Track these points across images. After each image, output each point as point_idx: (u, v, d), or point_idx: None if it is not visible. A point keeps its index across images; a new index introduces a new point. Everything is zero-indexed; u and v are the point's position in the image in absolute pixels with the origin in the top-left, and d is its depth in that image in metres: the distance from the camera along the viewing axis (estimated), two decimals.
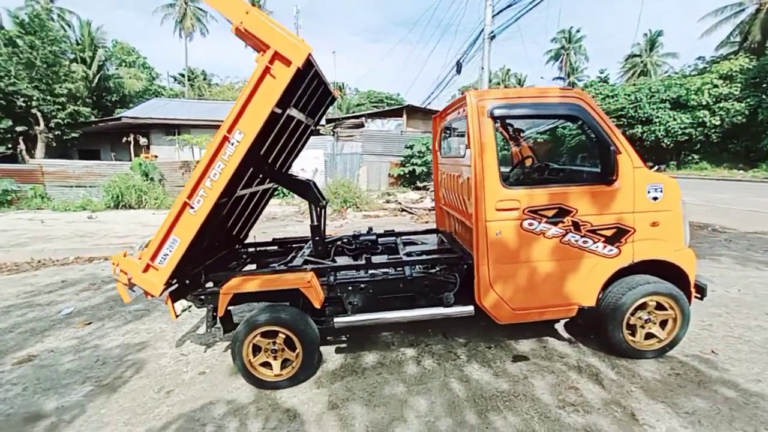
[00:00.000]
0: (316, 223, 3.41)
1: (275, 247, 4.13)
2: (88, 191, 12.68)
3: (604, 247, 2.76)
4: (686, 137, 27.47)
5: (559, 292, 2.81)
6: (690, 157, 28.76)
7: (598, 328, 2.93)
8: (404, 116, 16.89)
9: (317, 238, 3.45)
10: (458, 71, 20.93)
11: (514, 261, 2.76)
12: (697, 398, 2.46)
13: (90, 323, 4.15)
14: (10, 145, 16.94)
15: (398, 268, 3.07)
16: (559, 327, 3.50)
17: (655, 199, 2.74)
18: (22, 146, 17.03)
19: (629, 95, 31.49)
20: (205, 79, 49.55)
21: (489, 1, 14.41)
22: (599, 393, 2.55)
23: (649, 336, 2.89)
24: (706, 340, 3.19)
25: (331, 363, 3.12)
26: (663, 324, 2.87)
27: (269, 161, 3.40)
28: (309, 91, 3.23)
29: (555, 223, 2.71)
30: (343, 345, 3.42)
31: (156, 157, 16.75)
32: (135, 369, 3.18)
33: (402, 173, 15.28)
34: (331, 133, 15.57)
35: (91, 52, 29.46)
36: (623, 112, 31.25)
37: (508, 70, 54.84)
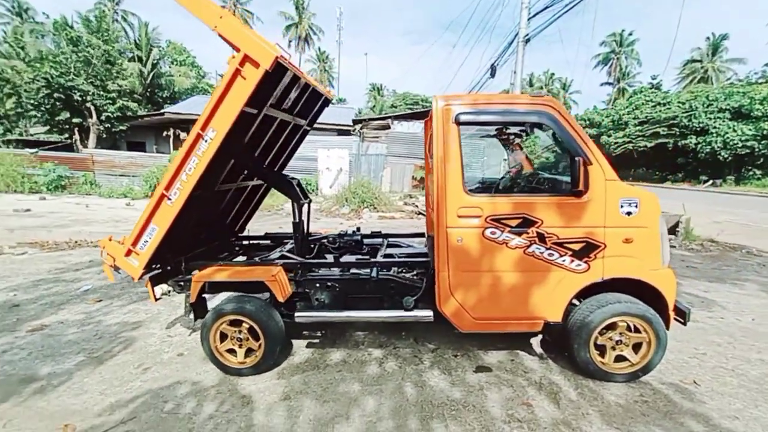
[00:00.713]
0: (297, 221, 3.53)
1: (267, 241, 4.31)
2: (131, 180, 13.74)
3: (572, 261, 2.65)
4: (747, 150, 25.21)
5: (522, 304, 2.74)
6: (751, 173, 26.37)
7: (566, 345, 2.82)
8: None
9: (298, 235, 3.57)
10: (492, 75, 20.51)
11: (475, 269, 2.72)
12: (657, 429, 2.31)
13: (100, 300, 4.53)
14: (67, 135, 18.71)
15: (366, 269, 3.11)
16: (535, 342, 3.39)
17: (629, 214, 2.60)
18: (77, 136, 18.75)
19: (684, 103, 29.40)
20: None
21: (525, 3, 13.99)
22: (552, 412, 2.46)
23: (620, 359, 2.74)
24: (692, 369, 2.96)
25: (298, 356, 3.22)
26: (636, 347, 2.71)
27: (255, 158, 3.56)
28: (291, 92, 3.35)
29: (519, 234, 2.64)
30: (316, 341, 3.52)
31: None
32: (124, 345, 3.45)
33: (424, 176, 15.24)
34: (357, 133, 15.80)
35: (147, 51, 31.66)
36: (675, 121, 29.21)
37: (552, 74, 52.84)
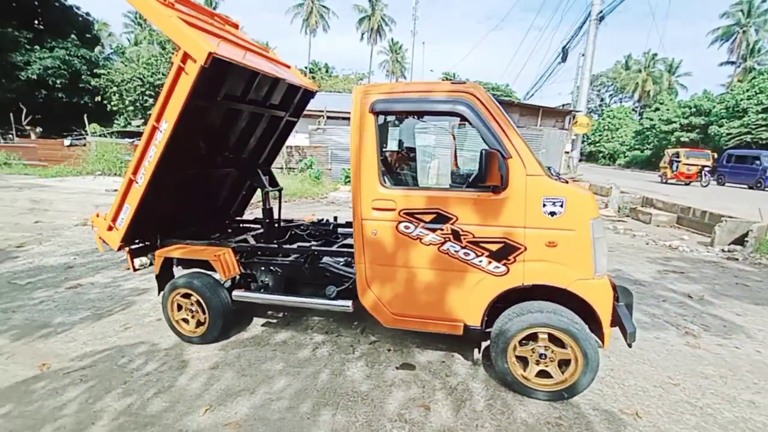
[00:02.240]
0: (265, 207, 3.75)
1: (258, 226, 4.64)
2: None
3: (489, 262, 2.45)
4: None
5: (439, 304, 2.61)
6: None
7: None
8: None
9: (267, 221, 3.79)
10: (563, 59, 18.73)
11: (389, 263, 2.66)
12: None
13: (128, 269, 5.32)
14: None
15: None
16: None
17: (552, 214, 2.31)
18: None
19: None
20: (327, 71, 54.27)
21: None
22: (446, 419, 2.34)
23: (543, 374, 2.47)
24: (646, 400, 2.54)
25: (249, 332, 3.48)
26: (563, 364, 2.42)
27: (226, 148, 3.84)
28: (257, 86, 3.54)
29: (432, 230, 2.51)
30: (274, 321, 3.74)
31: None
32: (123, 307, 4.05)
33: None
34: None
35: None
36: None
37: (654, 54, 46.15)
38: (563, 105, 21.65)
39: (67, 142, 17.86)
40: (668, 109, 36.55)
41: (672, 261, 6.01)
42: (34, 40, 22.72)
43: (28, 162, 17.04)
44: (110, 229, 3.39)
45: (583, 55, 13.36)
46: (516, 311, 2.45)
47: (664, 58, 46.67)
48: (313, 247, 3.25)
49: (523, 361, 2.50)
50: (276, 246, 3.32)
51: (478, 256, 2.46)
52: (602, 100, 58.18)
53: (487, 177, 2.25)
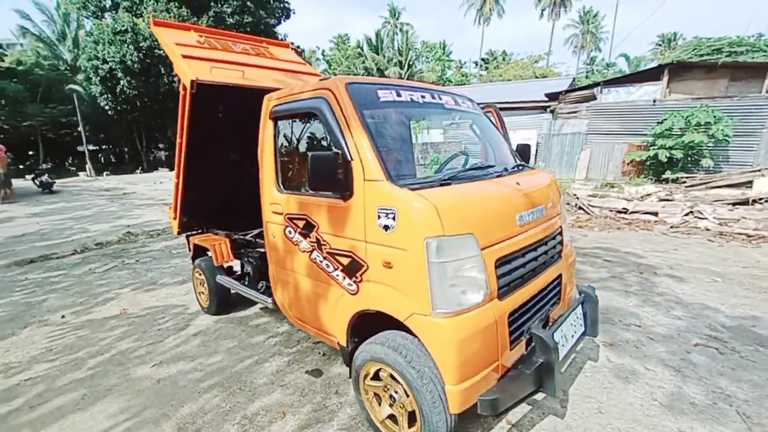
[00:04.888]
0: None
1: None
2: None
3: (344, 278, 2.16)
4: None
5: (318, 315, 2.46)
6: None
7: None
8: (664, 78, 11.60)
9: None
10: None
11: (283, 267, 2.67)
12: None
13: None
14: None
15: None
16: None
17: (386, 228, 1.84)
18: None
19: None
20: (504, 59, 51.72)
21: None
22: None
23: (394, 419, 2.02)
24: None
25: (244, 312, 4.06)
26: (414, 417, 1.93)
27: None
28: None
29: (304, 236, 2.39)
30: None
31: None
32: (171, 274, 5.34)
33: (642, 158, 11.27)
34: (550, 110, 13.41)
35: (406, 54, 37.45)
36: None
37: None
38: None
39: None
40: None
41: None
42: None
43: None
44: (174, 217, 4.54)
45: None
46: (374, 338, 2.09)
47: None
48: None
49: (378, 399, 2.11)
50: (253, 240, 3.75)
51: (335, 269, 2.21)
52: None
53: (312, 181, 1.98)
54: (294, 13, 28.73)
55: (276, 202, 2.61)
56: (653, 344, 3.02)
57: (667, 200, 8.80)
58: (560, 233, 2.55)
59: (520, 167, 2.73)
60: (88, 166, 25.17)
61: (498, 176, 2.35)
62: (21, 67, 26.61)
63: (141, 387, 2.80)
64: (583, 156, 12.38)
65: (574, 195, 8.75)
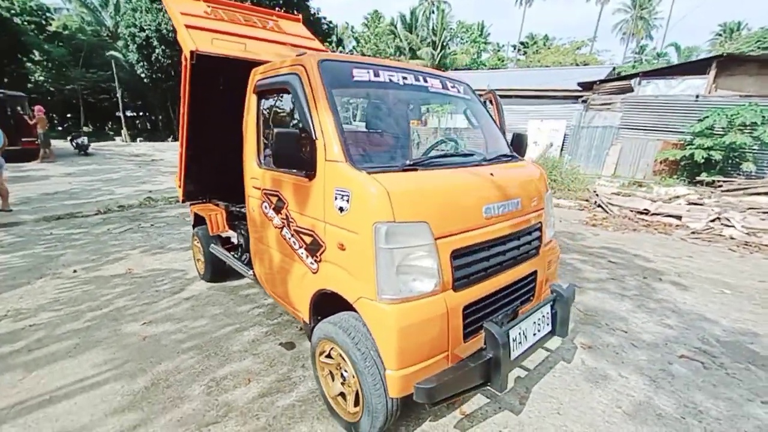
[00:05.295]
0: None
1: None
2: None
3: (307, 256, 2.18)
4: None
5: (287, 290, 2.52)
6: None
7: None
8: (711, 72, 10.59)
9: None
10: None
11: (260, 241, 2.73)
12: None
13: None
14: None
15: None
16: None
17: (341, 210, 1.84)
18: None
19: None
20: (545, 43, 49.23)
21: None
22: (246, 398, 2.34)
23: (344, 397, 2.07)
24: None
25: (236, 283, 4.20)
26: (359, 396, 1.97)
27: None
28: None
29: (277, 212, 2.42)
30: None
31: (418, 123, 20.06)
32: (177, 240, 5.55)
33: (676, 158, 10.57)
34: (582, 100, 12.67)
35: (440, 35, 36.33)
36: None
37: None
38: None
39: None
40: None
41: None
42: None
43: None
44: (179, 186, 4.70)
45: None
46: (330, 318, 2.13)
47: None
48: None
49: (333, 377, 2.16)
50: (245, 212, 3.84)
51: (300, 246, 2.24)
52: None
53: (283, 159, 2.00)
54: None
55: (256, 177, 2.65)
56: (635, 351, 2.91)
57: (697, 204, 8.28)
58: (539, 229, 2.46)
59: (509, 157, 2.64)
60: (124, 131, 26.26)
61: (476, 165, 2.28)
62: (66, 32, 27.74)
63: (127, 342, 2.98)
64: (612, 151, 11.74)
65: (594, 191, 8.37)
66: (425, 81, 2.50)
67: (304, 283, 2.28)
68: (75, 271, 4.40)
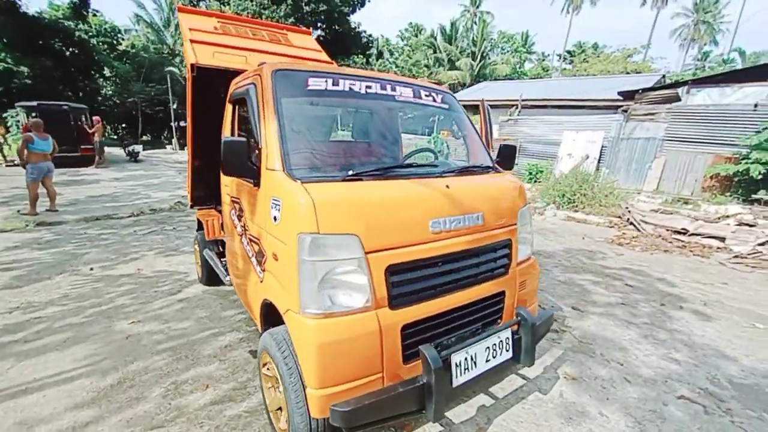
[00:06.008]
0: None
1: None
2: None
3: (257, 264, 2.17)
4: None
5: (247, 298, 2.52)
6: None
7: None
8: None
9: None
10: None
11: (230, 248, 2.77)
12: None
13: None
14: None
15: None
16: None
17: (275, 219, 1.80)
18: None
19: None
20: (594, 51, 47.14)
21: None
22: (199, 404, 2.35)
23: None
24: None
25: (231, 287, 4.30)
26: None
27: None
28: None
29: (239, 219, 2.45)
30: None
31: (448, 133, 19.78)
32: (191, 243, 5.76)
33: (729, 173, 9.54)
34: (622, 110, 11.80)
35: (480, 45, 35.88)
36: None
37: None
38: None
39: None
40: None
41: None
42: None
43: None
44: (188, 192, 4.94)
45: None
46: (271, 329, 2.08)
47: None
48: None
49: (275, 389, 2.11)
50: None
51: (252, 254, 2.24)
52: None
53: (231, 167, 2.00)
54: (369, 1, 28.95)
55: (226, 183, 2.71)
56: (626, 387, 2.60)
57: (747, 225, 7.41)
58: (507, 246, 2.29)
59: (485, 169, 2.49)
60: (174, 140, 28.26)
61: (434, 176, 2.17)
62: (133, 50, 30.60)
63: (112, 339, 3.13)
64: (655, 165, 10.82)
65: (626, 207, 7.76)
66: (393, 90, 2.44)
67: (255, 291, 2.27)
68: (91, 269, 4.72)
